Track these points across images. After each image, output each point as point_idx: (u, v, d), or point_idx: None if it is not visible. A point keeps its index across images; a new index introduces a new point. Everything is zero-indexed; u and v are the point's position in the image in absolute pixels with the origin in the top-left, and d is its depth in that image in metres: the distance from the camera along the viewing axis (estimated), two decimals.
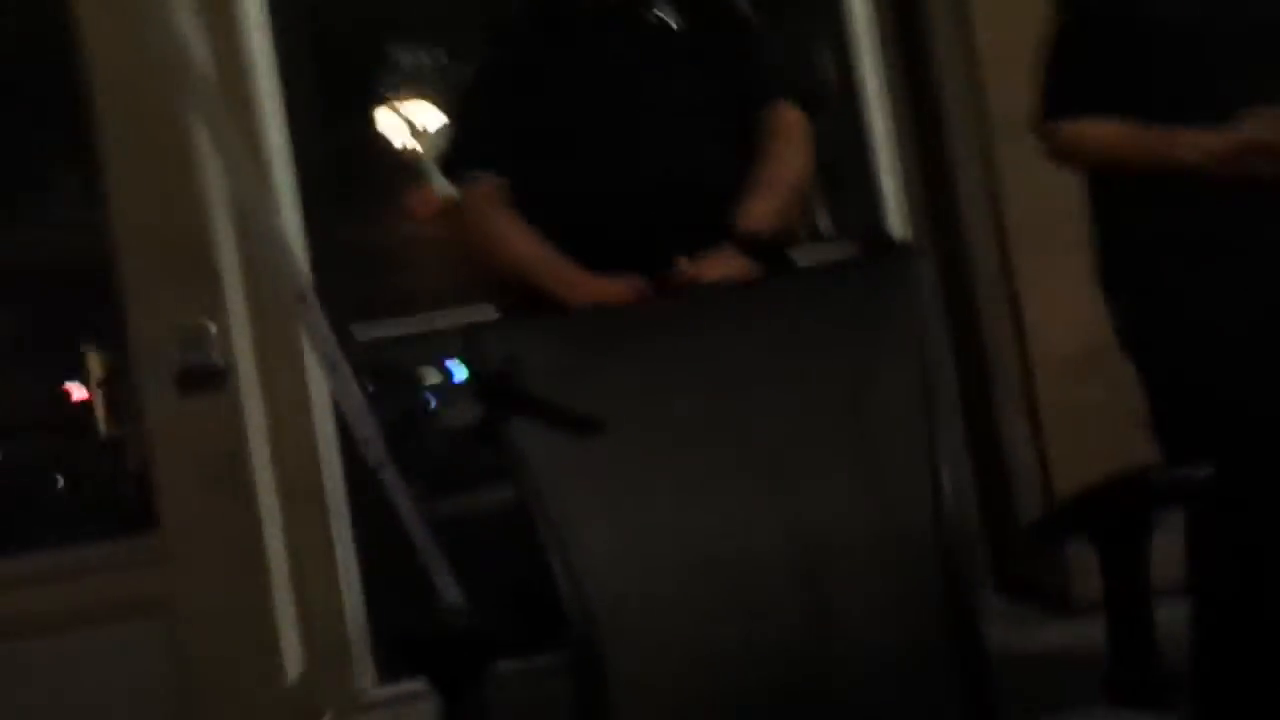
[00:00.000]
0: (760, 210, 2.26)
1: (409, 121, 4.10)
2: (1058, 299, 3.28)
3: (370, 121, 4.07)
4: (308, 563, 3.39)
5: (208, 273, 3.28)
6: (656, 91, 2.37)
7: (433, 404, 4.16)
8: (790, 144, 2.37)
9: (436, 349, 3.92)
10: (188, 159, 3.25)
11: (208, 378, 3.24)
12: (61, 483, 3.86)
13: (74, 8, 3.26)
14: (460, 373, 4.02)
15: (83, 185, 3.61)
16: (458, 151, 2.48)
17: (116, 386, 3.87)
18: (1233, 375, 2.11)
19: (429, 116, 4.08)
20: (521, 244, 2.32)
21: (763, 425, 1.69)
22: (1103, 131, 2.23)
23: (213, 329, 3.23)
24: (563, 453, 1.68)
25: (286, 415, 3.43)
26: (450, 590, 1.91)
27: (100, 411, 4.05)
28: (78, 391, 4.10)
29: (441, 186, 3.71)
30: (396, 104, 4.09)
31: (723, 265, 2.18)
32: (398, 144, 4.11)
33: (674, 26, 2.41)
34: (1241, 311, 2.12)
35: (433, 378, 4.17)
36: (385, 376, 3.62)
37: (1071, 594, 3.01)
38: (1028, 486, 3.36)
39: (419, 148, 4.08)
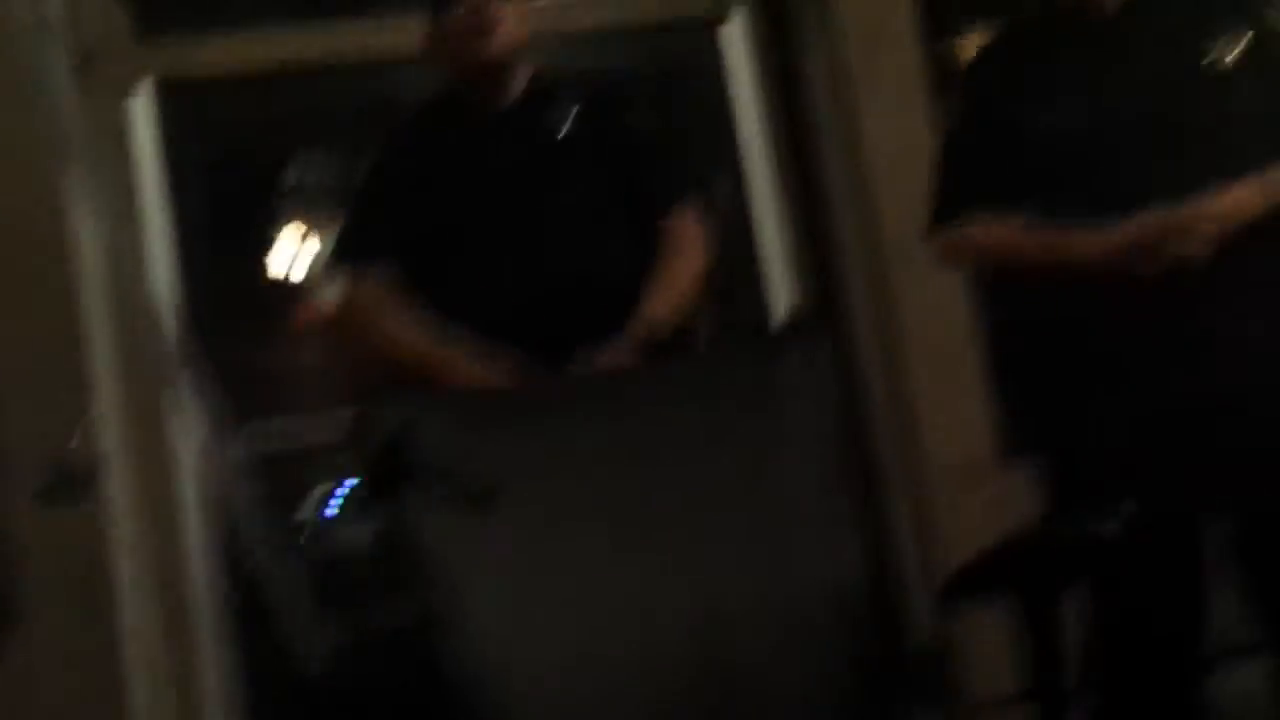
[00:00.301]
0: (659, 307, 2.28)
1: (298, 241, 4.05)
2: (947, 410, 3.32)
3: (260, 244, 4.02)
4: (169, 689, 3.19)
5: (78, 379, 3.14)
6: (550, 192, 2.42)
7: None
8: (687, 245, 2.41)
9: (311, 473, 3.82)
10: (62, 261, 3.15)
11: (72, 490, 3.07)
12: None
13: None
14: (331, 507, 3.91)
15: None
16: (347, 244, 2.47)
17: None
18: (1125, 470, 2.11)
19: (317, 235, 4.03)
20: (402, 328, 2.30)
21: (663, 500, 1.66)
22: (995, 232, 2.26)
23: (80, 433, 3.08)
24: (454, 526, 1.61)
25: (154, 532, 3.27)
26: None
27: None
28: None
29: (326, 298, 3.67)
30: (286, 226, 4.05)
31: (622, 358, 2.17)
32: (286, 267, 4.05)
33: (569, 128, 2.44)
34: (1134, 407, 2.14)
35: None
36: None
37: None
38: (914, 593, 3.34)
39: (308, 268, 4.02)
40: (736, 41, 3.65)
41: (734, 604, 1.58)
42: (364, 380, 3.16)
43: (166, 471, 3.30)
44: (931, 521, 3.31)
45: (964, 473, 3.26)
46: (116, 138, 3.35)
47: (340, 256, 2.47)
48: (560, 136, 2.44)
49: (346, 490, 3.62)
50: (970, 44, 3.55)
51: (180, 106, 3.50)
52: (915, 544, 3.35)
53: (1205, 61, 2.11)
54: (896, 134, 3.39)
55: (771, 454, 1.66)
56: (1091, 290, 2.15)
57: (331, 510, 3.85)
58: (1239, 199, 2.03)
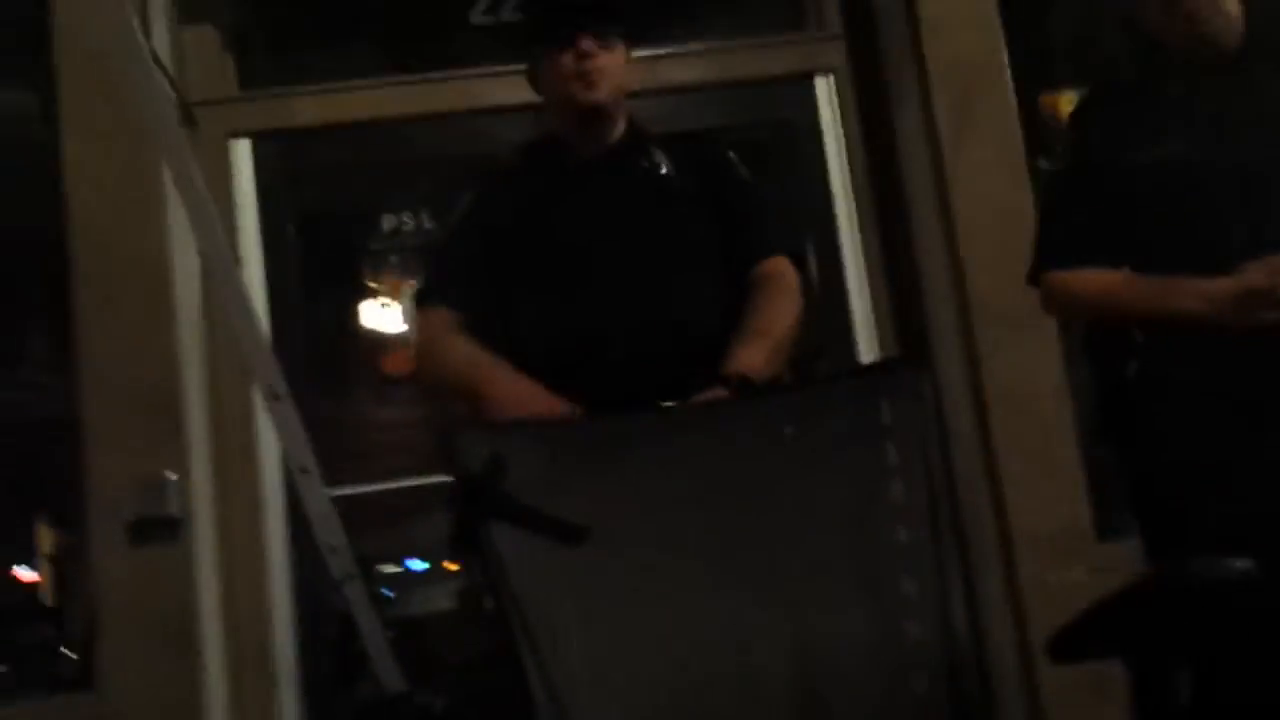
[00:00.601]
0: (751, 356, 2.23)
1: (390, 291, 4.09)
2: (1038, 479, 3.24)
3: (352, 297, 4.06)
4: None
5: (171, 423, 3.18)
6: (649, 236, 2.39)
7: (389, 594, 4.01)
8: (782, 294, 2.37)
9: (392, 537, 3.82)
10: (164, 306, 3.21)
11: (162, 529, 3.11)
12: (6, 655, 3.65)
13: (58, 163, 3.25)
14: (418, 564, 3.90)
15: (53, 349, 3.53)
16: (427, 287, 2.47)
17: (64, 559, 3.71)
18: (1232, 519, 2.03)
19: (408, 285, 4.06)
20: (459, 355, 2.29)
21: (761, 538, 1.61)
22: (1101, 281, 2.21)
23: (172, 478, 3.11)
24: (544, 560, 1.59)
25: (241, 575, 3.29)
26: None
27: (49, 583, 3.88)
28: (25, 573, 3.93)
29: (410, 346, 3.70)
30: (379, 278, 4.09)
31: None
32: (378, 320, 4.09)
33: (665, 173, 2.44)
34: (1241, 457, 2.06)
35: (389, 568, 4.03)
36: None
37: None
38: (1005, 668, 3.24)
39: (399, 317, 4.05)
40: (830, 97, 3.65)
41: (830, 644, 1.52)
42: (449, 425, 3.17)
43: (255, 515, 3.33)
44: (1022, 594, 3.21)
45: (1055, 545, 3.17)
46: (219, 184, 3.42)
47: (423, 295, 2.48)
48: (661, 176, 2.43)
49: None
50: (1065, 101, 3.52)
51: (278, 155, 3.57)
52: (1004, 614, 3.25)
53: None
54: (989, 191, 3.35)
55: (873, 494, 1.62)
56: (1202, 346, 2.09)
57: (419, 564, 3.87)
58: None
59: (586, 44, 2.34)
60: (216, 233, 2.10)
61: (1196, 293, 2.07)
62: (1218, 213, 2.09)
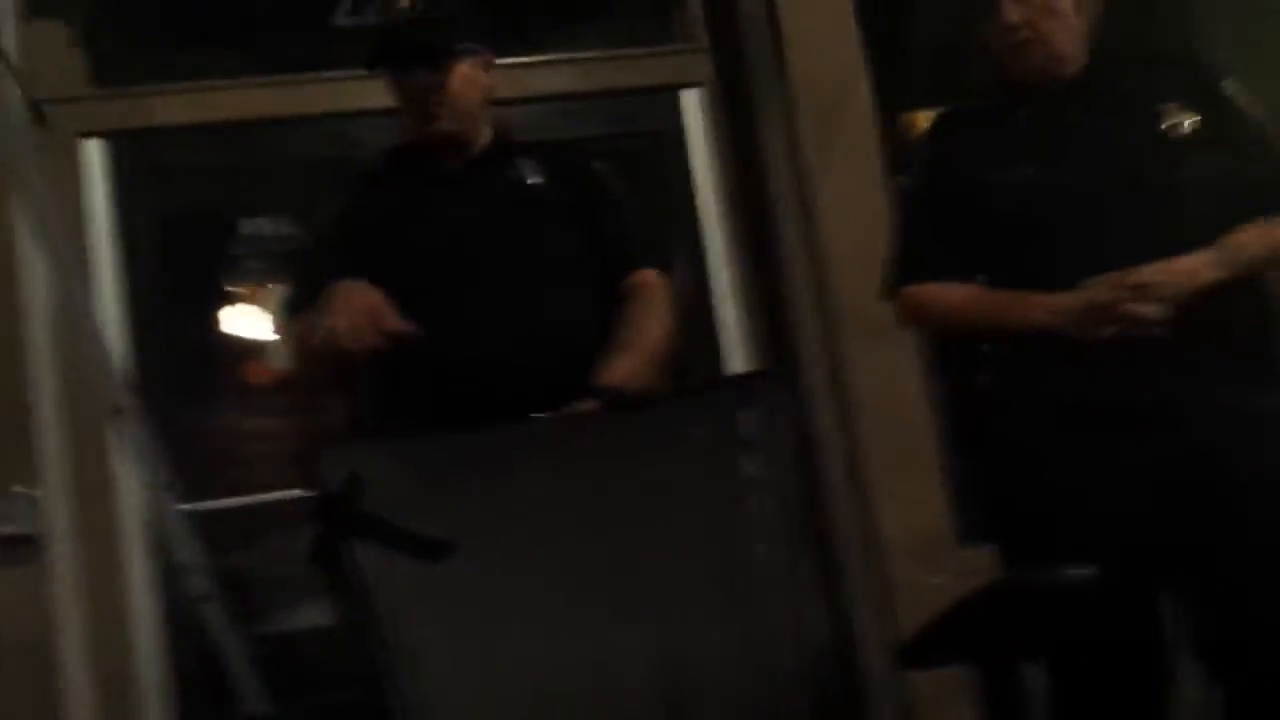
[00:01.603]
0: (623, 368, 2.24)
1: (252, 300, 4.01)
2: (901, 485, 3.31)
3: (213, 302, 3.97)
4: None
5: (22, 436, 3.08)
6: (519, 245, 2.38)
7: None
8: (653, 306, 2.38)
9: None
10: (12, 316, 3.10)
11: (16, 547, 3.00)
12: None
13: None
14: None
15: None
16: (297, 297, 2.42)
17: None
18: (1080, 526, 2.10)
19: (272, 293, 3.99)
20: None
21: (623, 554, 1.62)
22: (953, 296, 2.28)
23: (24, 494, 3.01)
24: (405, 578, 1.58)
25: (102, 593, 3.19)
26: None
27: None
28: None
29: (279, 358, 3.63)
30: (240, 283, 4.00)
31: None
32: (240, 325, 4.00)
33: (531, 182, 2.43)
34: (1088, 463, 2.13)
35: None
36: None
37: None
38: (872, 671, 3.30)
39: (264, 327, 3.97)
40: (698, 110, 3.69)
41: (694, 657, 1.54)
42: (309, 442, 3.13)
43: (112, 532, 3.24)
44: (887, 599, 3.28)
45: (919, 550, 3.24)
46: (69, 185, 3.32)
47: (290, 308, 2.43)
48: (528, 186, 2.42)
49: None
50: (923, 119, 3.61)
51: (134, 156, 3.47)
52: (870, 619, 3.32)
53: (1161, 128, 2.15)
54: (851, 205, 3.41)
55: (732, 507, 1.64)
56: (1049, 359, 2.16)
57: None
58: (1194, 265, 2.06)
59: (420, 77, 2.33)
60: (55, 236, 2.04)
61: (1043, 307, 2.14)
62: (1063, 232, 2.17)
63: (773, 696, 1.53)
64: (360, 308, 2.11)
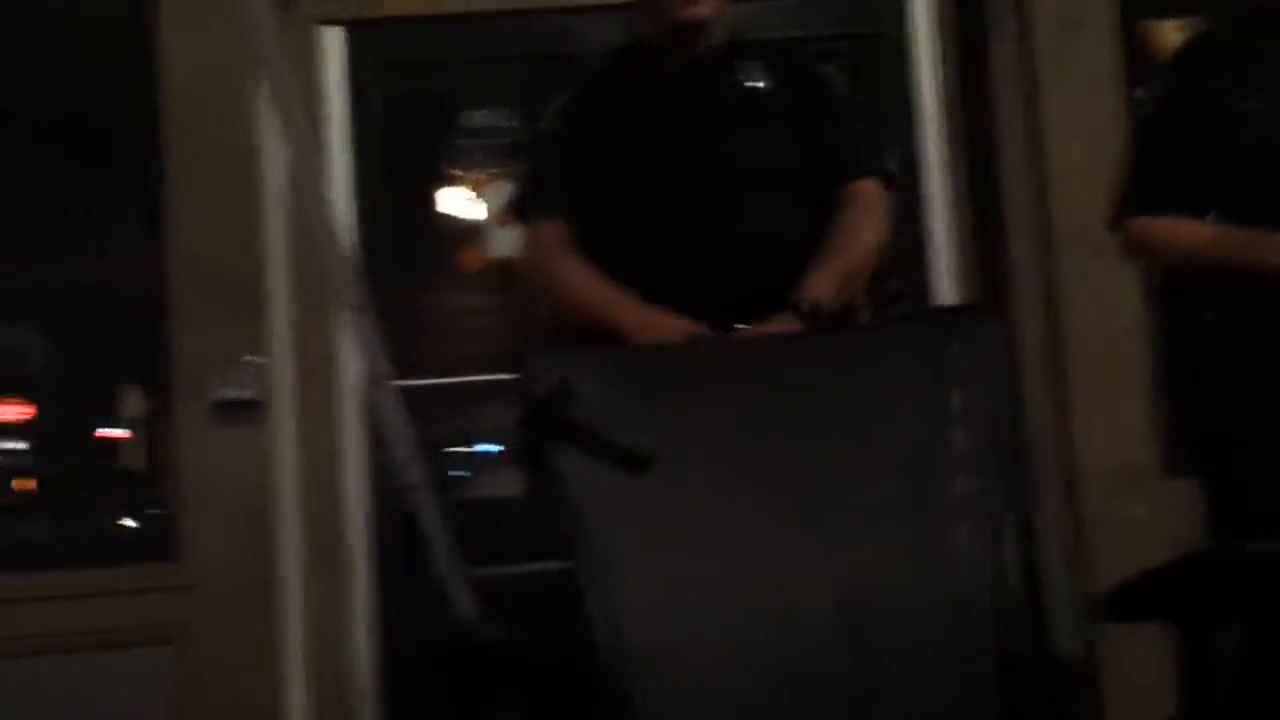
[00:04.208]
0: (825, 281, 2.23)
1: (472, 184, 4.11)
2: (1107, 413, 3.23)
3: (434, 187, 4.09)
4: (322, 611, 3.32)
5: (255, 307, 3.26)
6: (737, 150, 2.36)
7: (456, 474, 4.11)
8: (867, 216, 2.35)
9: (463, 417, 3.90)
10: (251, 193, 3.27)
11: (244, 411, 3.21)
12: (89, 512, 3.80)
13: (155, 47, 3.30)
14: (489, 447, 3.99)
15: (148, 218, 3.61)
16: (528, 196, 2.48)
17: (151, 425, 3.83)
18: None
19: (493, 182, 4.09)
20: (582, 281, 2.30)
21: (819, 480, 1.63)
22: (1187, 231, 2.19)
23: (256, 363, 3.21)
24: (608, 487, 1.62)
25: (318, 459, 3.39)
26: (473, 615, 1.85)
27: (133, 445, 4.01)
28: (113, 428, 4.06)
29: (495, 245, 3.74)
30: (461, 170, 4.11)
31: (785, 330, 2.14)
32: (460, 210, 4.12)
33: (755, 87, 2.41)
34: None
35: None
36: None
37: None
38: (1060, 593, 3.26)
39: (480, 209, 4.08)
40: (926, 13, 3.57)
41: (881, 589, 1.55)
42: (533, 331, 3.22)
43: (334, 401, 3.41)
44: (1083, 527, 3.22)
45: (1119, 480, 3.17)
46: (308, 69, 3.45)
47: (521, 206, 2.48)
48: (750, 90, 2.40)
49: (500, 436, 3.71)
50: (1165, 32, 3.43)
51: (369, 44, 3.58)
52: (1066, 549, 3.27)
53: None
54: (1083, 121, 3.29)
55: (933, 441, 1.63)
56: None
57: (485, 449, 3.95)
58: None
59: None
60: (295, 119, 2.11)
61: None
62: None
63: (961, 635, 1.53)
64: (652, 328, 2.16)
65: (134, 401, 3.83)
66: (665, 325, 2.13)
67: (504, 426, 3.82)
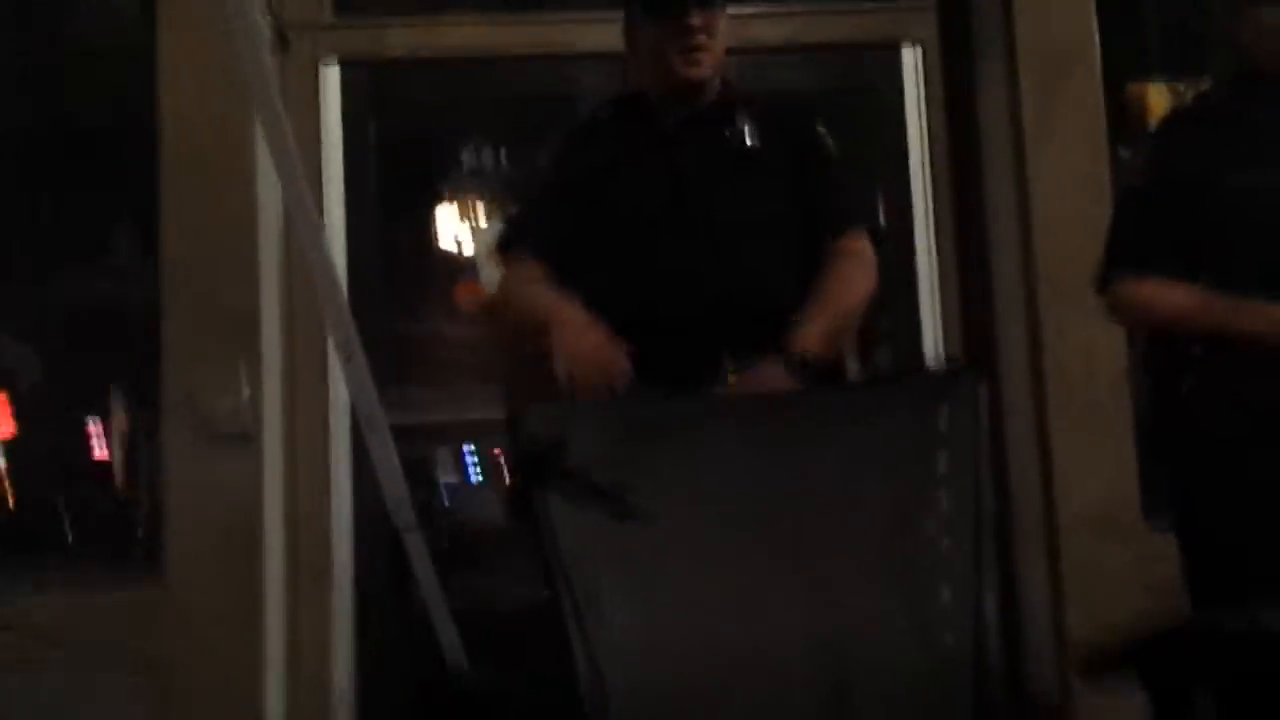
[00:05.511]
0: (814, 333, 2.26)
1: (465, 219, 4.16)
2: (1089, 463, 3.28)
3: (428, 219, 4.14)
4: (304, 638, 3.34)
5: (248, 336, 3.29)
6: (731, 203, 2.40)
7: (446, 500, 4.15)
8: (857, 268, 2.39)
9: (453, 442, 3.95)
10: (246, 222, 3.30)
11: (233, 436, 3.23)
12: (72, 529, 3.81)
13: (156, 71, 3.34)
14: (475, 474, 4.03)
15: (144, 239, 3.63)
16: (513, 233, 2.51)
17: (138, 445, 3.85)
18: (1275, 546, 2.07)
19: (483, 216, 4.14)
20: (531, 289, 2.34)
21: (806, 532, 1.67)
22: (1172, 295, 2.23)
23: (245, 392, 3.23)
24: (596, 535, 1.66)
25: (305, 485, 3.41)
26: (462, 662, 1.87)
27: (119, 466, 4.02)
28: (99, 448, 4.07)
29: (489, 282, 3.77)
30: (454, 202, 4.16)
31: (768, 381, 2.18)
32: (451, 241, 4.17)
33: (750, 144, 2.45)
34: None
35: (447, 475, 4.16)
36: None
37: None
38: (1040, 640, 3.30)
39: (472, 245, 4.12)
40: (916, 68, 3.63)
41: (861, 638, 1.59)
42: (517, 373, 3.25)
43: (323, 428, 3.44)
44: (1062, 576, 3.26)
45: (1100, 529, 3.21)
46: (308, 107, 3.49)
47: (504, 243, 2.52)
48: (746, 149, 2.44)
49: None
50: (1152, 91, 3.50)
51: (366, 84, 3.62)
52: (1045, 598, 3.31)
53: None
54: (1068, 173, 3.35)
55: (919, 497, 1.67)
56: (1260, 368, 2.11)
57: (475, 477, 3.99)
58: None
59: (696, 20, 2.34)
60: (291, 157, 2.14)
61: (1266, 317, 2.09)
62: None
63: (940, 687, 1.57)
64: (590, 355, 2.18)
65: (121, 424, 3.85)
66: (599, 353, 2.17)
67: (494, 462, 3.90)
